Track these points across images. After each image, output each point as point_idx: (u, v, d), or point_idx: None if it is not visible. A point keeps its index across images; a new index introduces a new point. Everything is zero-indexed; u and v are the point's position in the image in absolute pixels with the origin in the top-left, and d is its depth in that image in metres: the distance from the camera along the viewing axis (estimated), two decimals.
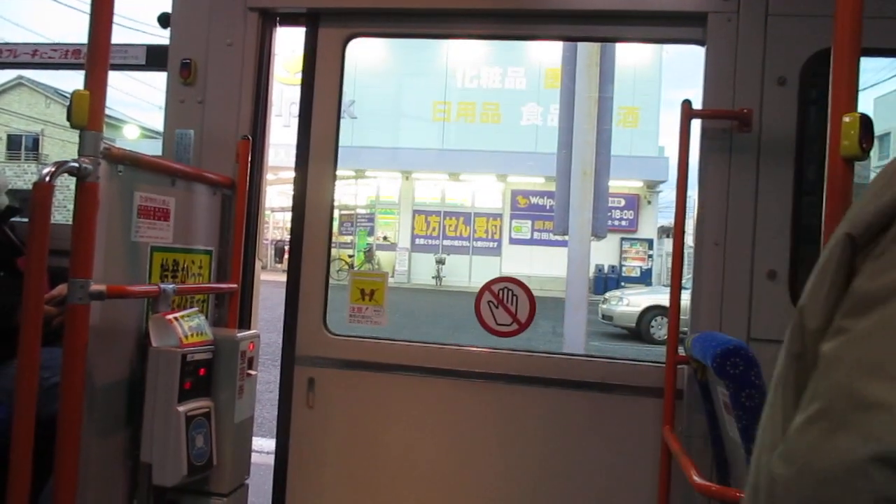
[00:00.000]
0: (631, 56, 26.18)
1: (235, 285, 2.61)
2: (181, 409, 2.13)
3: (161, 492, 2.20)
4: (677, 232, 2.39)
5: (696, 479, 1.79)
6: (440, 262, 25.51)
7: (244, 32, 2.72)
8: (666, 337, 2.42)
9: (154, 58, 2.96)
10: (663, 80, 27.58)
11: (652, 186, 26.86)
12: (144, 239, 2.26)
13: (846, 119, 1.32)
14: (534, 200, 26.86)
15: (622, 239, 26.69)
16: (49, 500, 1.93)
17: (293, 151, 2.79)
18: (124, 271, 2.17)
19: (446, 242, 25.90)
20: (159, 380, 2.13)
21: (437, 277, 25.34)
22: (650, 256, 26.65)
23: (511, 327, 2.72)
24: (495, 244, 26.62)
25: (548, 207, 27.04)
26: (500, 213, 26.72)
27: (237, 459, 2.36)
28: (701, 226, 2.45)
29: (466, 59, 25.11)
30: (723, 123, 2.44)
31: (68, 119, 1.89)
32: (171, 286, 2.21)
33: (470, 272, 25.69)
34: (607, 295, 17.02)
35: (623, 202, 26.95)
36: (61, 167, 1.85)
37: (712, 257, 2.44)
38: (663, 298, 15.20)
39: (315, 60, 2.79)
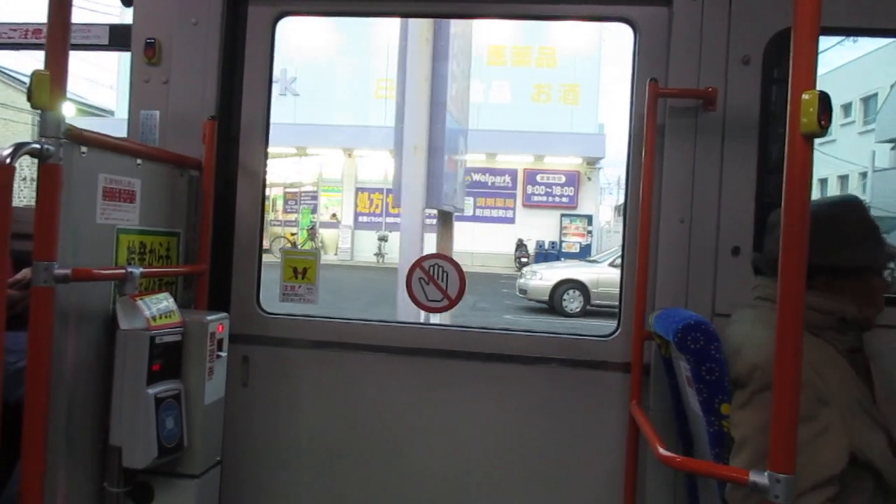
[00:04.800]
0: (570, 33, 26.44)
1: (204, 267, 2.60)
2: (150, 391, 2.12)
3: (132, 474, 2.19)
4: (644, 209, 2.40)
5: (661, 451, 1.83)
6: (382, 239, 25.52)
7: (209, 11, 2.69)
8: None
9: (117, 37, 2.90)
10: (602, 57, 28.00)
11: (592, 163, 27.29)
12: (110, 221, 2.23)
13: (805, 96, 1.34)
14: (476, 177, 27.04)
15: (562, 215, 27.14)
16: (18, 485, 1.92)
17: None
18: (90, 254, 2.15)
19: (389, 220, 25.93)
20: (127, 362, 2.12)
21: (380, 255, 25.35)
22: (590, 232, 27.21)
23: (441, 303, 2.75)
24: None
25: (489, 184, 27.24)
26: None
27: (208, 440, 2.36)
28: (666, 203, 2.48)
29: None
30: (688, 102, 2.47)
31: (29, 100, 1.86)
32: (137, 269, 2.19)
33: None
34: (524, 270, 17.48)
35: (563, 179, 27.34)
36: (22, 148, 1.82)
37: (677, 234, 2.47)
38: (575, 273, 16.17)
39: (245, 39, 2.77)
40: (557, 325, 13.66)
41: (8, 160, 1.75)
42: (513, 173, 27.39)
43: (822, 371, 1.80)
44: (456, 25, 6.51)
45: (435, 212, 7.29)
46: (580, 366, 2.59)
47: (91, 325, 2.19)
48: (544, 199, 27.55)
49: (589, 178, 27.60)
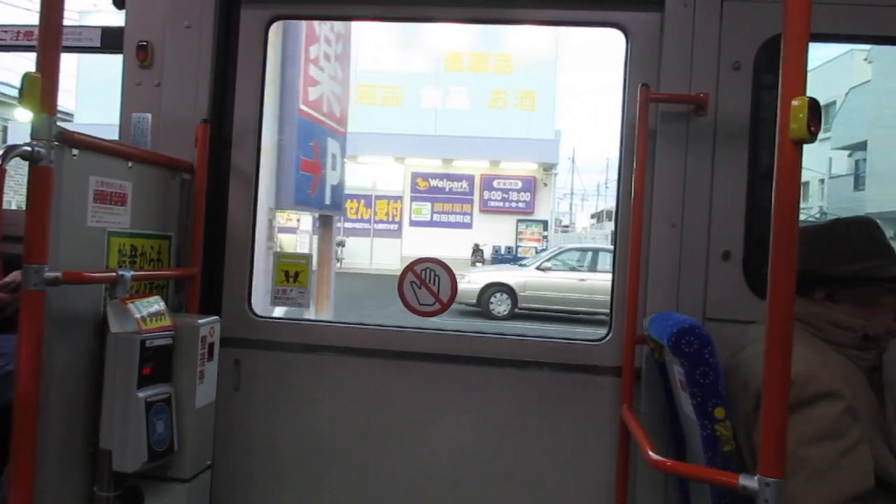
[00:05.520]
0: (527, 40, 26.71)
1: (195, 270, 2.59)
2: (141, 394, 2.10)
3: (122, 478, 2.18)
4: (636, 214, 2.42)
5: (652, 455, 1.85)
6: (339, 244, 25.38)
7: (202, 14, 2.67)
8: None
9: (109, 40, 2.87)
10: (559, 64, 28.35)
11: (547, 169, 27.62)
12: (101, 224, 2.21)
13: (795, 103, 1.36)
14: (434, 183, 27.12)
15: (518, 220, 27.38)
16: (7, 489, 1.89)
17: None
18: (80, 257, 2.13)
19: (348, 225, 25.84)
20: (118, 366, 2.11)
21: (337, 259, 25.26)
22: (545, 237, 27.53)
23: (434, 307, 2.77)
24: (396, 226, 26.76)
25: (447, 190, 27.36)
26: (401, 196, 26.86)
27: (198, 445, 2.34)
28: (657, 208, 2.50)
29: (368, 41, 24.96)
30: (679, 107, 2.49)
31: (20, 102, 1.85)
32: (128, 272, 2.17)
33: (371, 254, 25.74)
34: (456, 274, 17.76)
35: (520, 184, 27.60)
36: (13, 150, 1.81)
37: (668, 238, 2.50)
38: (503, 276, 16.60)
39: (237, 42, 2.77)
40: (487, 327, 13.75)
41: None
42: (470, 179, 27.53)
43: (851, 386, 1.83)
44: (324, 30, 6.68)
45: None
46: (571, 370, 2.61)
47: (81, 329, 2.17)
48: (501, 204, 27.76)
49: (545, 184, 27.88)
